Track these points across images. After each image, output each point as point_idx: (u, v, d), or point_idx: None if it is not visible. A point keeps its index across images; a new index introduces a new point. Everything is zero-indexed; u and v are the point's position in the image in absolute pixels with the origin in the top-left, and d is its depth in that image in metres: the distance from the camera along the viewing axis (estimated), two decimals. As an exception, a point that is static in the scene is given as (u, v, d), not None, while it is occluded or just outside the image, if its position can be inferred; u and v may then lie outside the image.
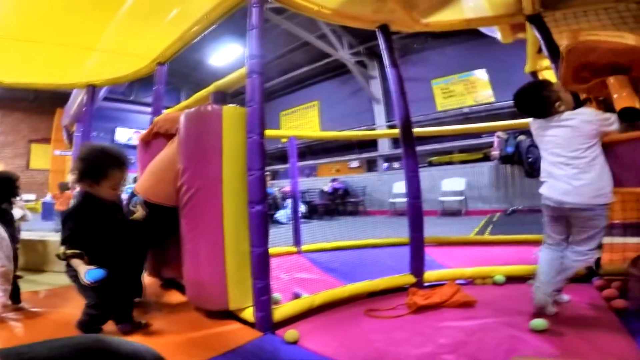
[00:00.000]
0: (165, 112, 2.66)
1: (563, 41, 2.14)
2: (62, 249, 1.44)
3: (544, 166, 1.60)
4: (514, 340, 1.37)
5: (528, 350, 1.27)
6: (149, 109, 3.54)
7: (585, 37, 1.57)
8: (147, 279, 2.31)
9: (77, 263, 1.42)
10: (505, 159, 6.03)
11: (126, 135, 13.31)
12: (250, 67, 1.72)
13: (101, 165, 1.57)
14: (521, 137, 5.66)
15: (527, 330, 1.43)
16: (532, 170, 5.28)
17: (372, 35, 2.49)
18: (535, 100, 1.58)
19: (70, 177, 4.92)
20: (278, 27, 8.48)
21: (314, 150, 12.13)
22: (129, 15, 2.37)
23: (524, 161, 5.58)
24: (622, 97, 1.42)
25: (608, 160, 1.44)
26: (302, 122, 13.40)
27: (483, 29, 3.21)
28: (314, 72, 12.01)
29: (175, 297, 2.14)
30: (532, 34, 2.56)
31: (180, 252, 1.91)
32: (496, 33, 3.12)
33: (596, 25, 2.70)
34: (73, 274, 1.46)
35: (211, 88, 2.04)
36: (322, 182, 10.13)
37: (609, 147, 1.46)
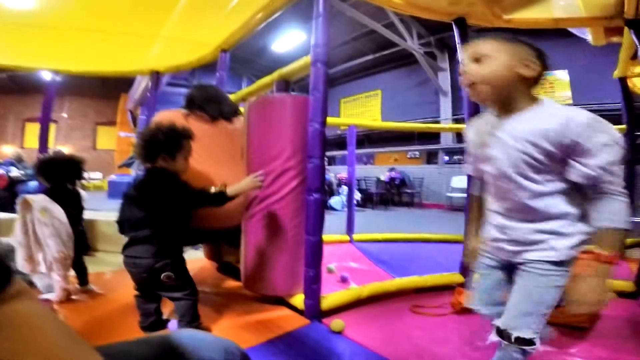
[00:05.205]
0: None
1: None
2: None
3: None
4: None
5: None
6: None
7: None
8: (205, 262, 2.56)
9: None
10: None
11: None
12: (314, 56, 1.77)
13: (174, 138, 1.51)
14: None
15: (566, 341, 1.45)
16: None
17: (443, 25, 2.41)
18: None
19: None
20: (343, 14, 8.49)
21: (372, 138, 12.21)
22: (191, 3, 2.51)
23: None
24: None
25: None
26: (362, 110, 13.49)
27: (573, 29, 3.14)
28: (377, 61, 11.95)
29: (231, 281, 2.27)
30: (628, 39, 2.46)
31: (239, 239, 1.99)
32: (586, 34, 3.03)
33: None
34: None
35: (275, 76, 2.11)
36: (379, 171, 10.23)
37: None
